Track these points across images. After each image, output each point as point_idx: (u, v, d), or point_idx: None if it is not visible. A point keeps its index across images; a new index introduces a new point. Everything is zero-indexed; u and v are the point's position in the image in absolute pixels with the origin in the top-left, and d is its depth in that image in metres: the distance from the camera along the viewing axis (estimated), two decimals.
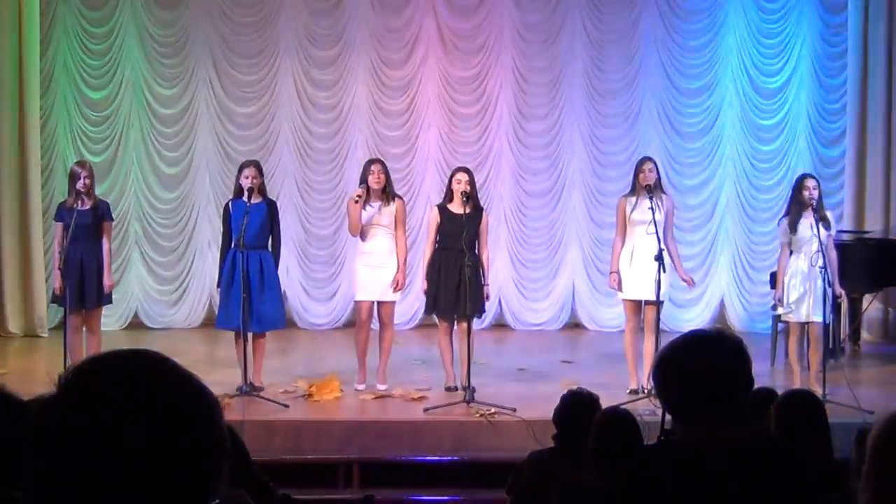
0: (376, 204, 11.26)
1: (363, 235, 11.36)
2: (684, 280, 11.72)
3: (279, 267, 11.45)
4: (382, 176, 11.25)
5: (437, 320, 11.65)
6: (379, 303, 11.48)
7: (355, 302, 11.84)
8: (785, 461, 3.30)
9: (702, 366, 3.15)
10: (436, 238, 11.33)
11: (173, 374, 1.73)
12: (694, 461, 3.08)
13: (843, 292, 11.52)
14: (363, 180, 11.32)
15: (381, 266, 11.34)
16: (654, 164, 11.49)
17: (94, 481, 1.62)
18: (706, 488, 3.03)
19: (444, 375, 11.51)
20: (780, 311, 11.29)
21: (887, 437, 3.73)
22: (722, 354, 3.19)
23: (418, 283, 13.33)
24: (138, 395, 1.66)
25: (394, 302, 11.65)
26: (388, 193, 11.34)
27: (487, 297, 11.69)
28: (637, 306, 11.32)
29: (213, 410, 1.74)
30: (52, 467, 1.63)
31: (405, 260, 11.46)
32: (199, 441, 1.69)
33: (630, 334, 11.44)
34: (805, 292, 11.00)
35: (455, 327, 11.35)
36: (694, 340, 3.29)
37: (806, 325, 11.15)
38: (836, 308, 12.50)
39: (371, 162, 11.59)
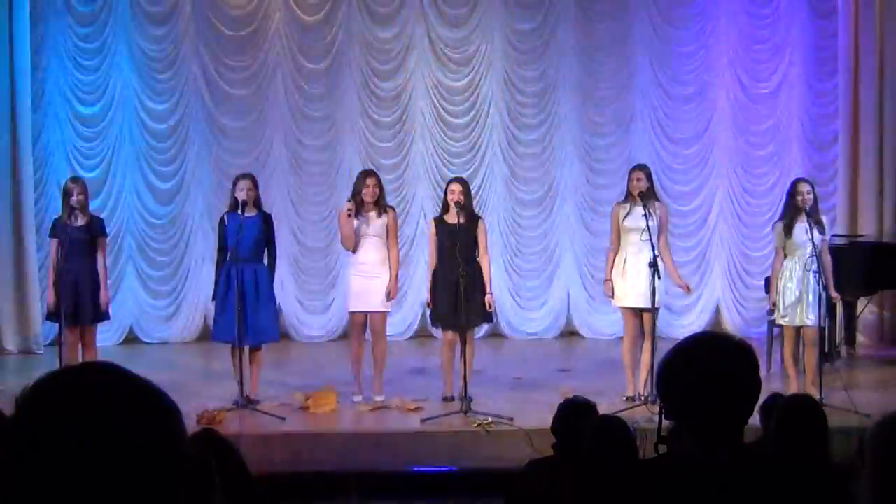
0: (368, 215, 11.25)
1: (355, 247, 11.36)
2: (680, 286, 11.71)
3: (275, 279, 11.45)
4: (377, 190, 11.26)
5: (440, 333, 11.64)
6: (371, 313, 11.46)
7: (349, 313, 11.84)
8: (786, 478, 3.28)
9: (707, 370, 3.12)
10: (437, 250, 11.33)
11: (130, 383, 1.71)
12: (695, 475, 3.06)
13: (838, 296, 11.52)
14: (355, 192, 11.31)
15: (374, 276, 11.32)
16: (645, 171, 11.46)
17: (55, 498, 1.61)
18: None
19: (440, 385, 11.50)
20: (776, 314, 11.28)
21: (884, 439, 3.73)
22: (728, 359, 3.16)
23: (412, 294, 13.34)
24: (94, 408, 1.65)
25: (386, 312, 11.63)
26: (380, 205, 11.34)
27: (491, 305, 11.64)
28: (634, 314, 11.30)
29: (172, 417, 1.72)
30: (14, 487, 1.61)
31: (397, 270, 11.47)
32: (159, 449, 1.67)
33: (628, 342, 11.41)
34: (800, 296, 10.99)
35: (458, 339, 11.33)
36: (700, 343, 3.27)
37: (800, 329, 11.15)
38: (832, 312, 12.53)
39: (366, 175, 11.52)
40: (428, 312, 12.00)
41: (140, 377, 1.73)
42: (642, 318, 11.25)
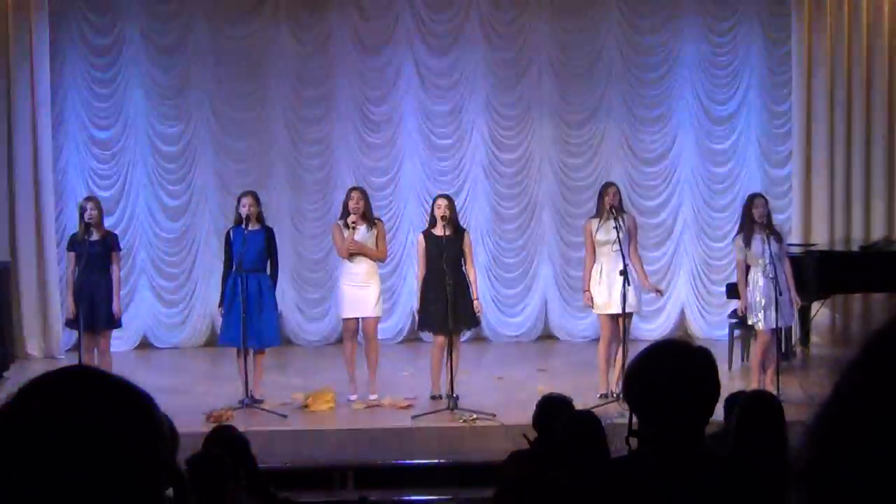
0: (359, 229, 11.30)
1: (348, 257, 11.40)
2: (651, 290, 11.75)
3: (276, 288, 11.45)
4: (361, 202, 11.33)
5: (432, 337, 11.64)
6: (363, 319, 11.48)
7: (343, 320, 11.84)
8: (743, 473, 3.28)
9: (670, 375, 3.12)
10: (424, 261, 11.34)
11: (105, 383, 1.68)
12: (660, 470, 3.05)
13: (799, 301, 11.51)
14: (344, 205, 11.44)
15: (365, 285, 11.38)
16: (617, 187, 11.55)
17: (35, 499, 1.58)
18: (671, 497, 3.00)
19: (429, 385, 11.49)
20: (750, 320, 11.27)
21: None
22: (689, 364, 3.16)
23: (403, 302, 13.32)
24: (70, 409, 1.62)
25: (377, 317, 11.67)
26: (368, 219, 11.38)
27: (478, 310, 11.67)
28: (612, 320, 11.33)
29: (150, 413, 1.68)
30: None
31: (384, 257, 11.79)
32: (138, 450, 1.64)
33: (604, 345, 11.46)
34: (768, 302, 11.00)
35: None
36: (662, 351, 3.26)
37: (773, 332, 11.14)
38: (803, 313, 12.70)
39: (351, 189, 11.78)
40: (416, 318, 11.99)
41: (118, 378, 1.70)
42: (618, 322, 11.28)
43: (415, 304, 11.55)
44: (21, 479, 1.57)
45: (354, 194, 11.48)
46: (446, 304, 10.96)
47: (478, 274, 11.89)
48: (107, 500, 1.59)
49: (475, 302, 11.43)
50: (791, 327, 12.52)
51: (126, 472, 1.60)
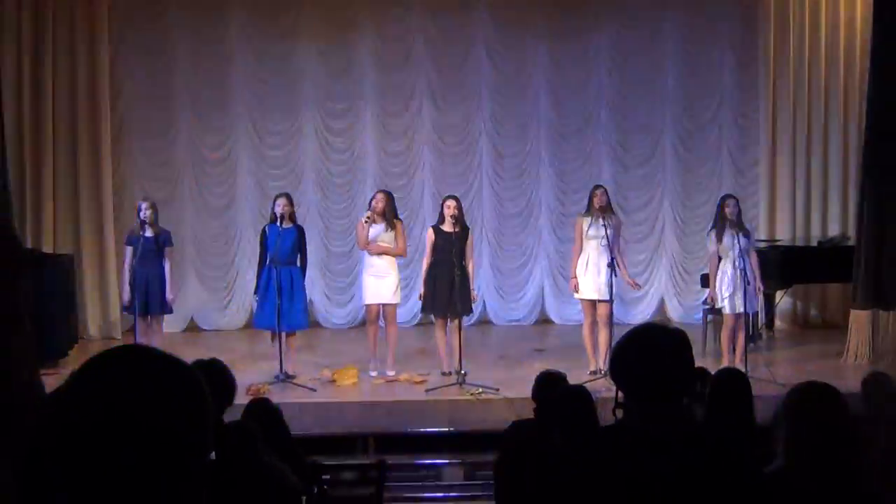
0: (380, 226, 11.30)
1: (370, 250, 11.39)
2: (629, 284, 11.76)
3: (305, 278, 11.46)
4: (382, 203, 11.31)
5: (433, 319, 11.65)
6: (384, 305, 11.48)
7: (365, 305, 11.85)
8: (715, 440, 3.28)
9: (650, 354, 3.11)
10: (431, 252, 11.34)
11: (162, 359, 1.66)
12: (643, 438, 3.05)
13: (762, 286, 11.51)
14: (370, 204, 11.53)
15: (385, 276, 11.39)
16: (604, 189, 11.56)
17: (101, 464, 1.57)
18: (652, 461, 3.00)
19: (440, 362, 11.50)
20: (718, 305, 11.29)
21: (796, 402, 3.73)
22: (667, 344, 3.15)
23: (418, 290, 13.29)
24: (132, 378, 1.60)
25: (396, 304, 11.66)
26: (388, 218, 11.38)
27: (475, 299, 11.69)
28: (592, 305, 11.36)
29: (199, 386, 1.67)
30: (66, 455, 1.57)
31: (403, 251, 11.60)
32: (189, 417, 1.62)
33: (587, 327, 11.47)
34: (734, 289, 11.00)
35: (449, 324, 11.36)
36: (644, 333, 3.26)
37: (736, 316, 11.14)
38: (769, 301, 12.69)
39: (377, 191, 11.81)
40: (420, 303, 11.97)
41: (169, 355, 1.69)
42: (599, 308, 11.27)
43: (421, 289, 11.52)
44: (86, 454, 1.56)
45: (379, 195, 11.52)
46: (449, 291, 11.00)
47: (482, 265, 11.88)
48: (160, 464, 1.58)
49: (473, 291, 11.48)
50: (757, 312, 12.51)
51: (176, 442, 1.59)
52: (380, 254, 11.38)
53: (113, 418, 1.55)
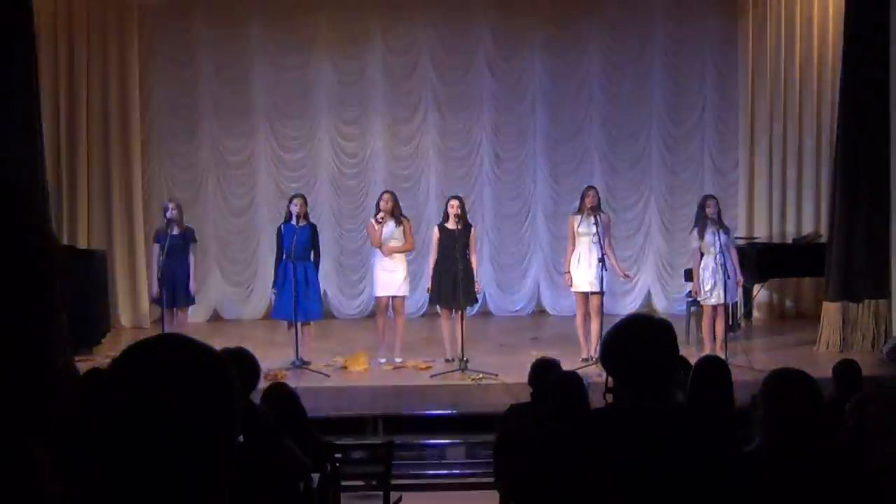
0: (390, 224, 11.31)
1: (380, 247, 11.40)
2: (621, 275, 11.76)
3: (319, 273, 11.46)
4: (390, 203, 11.31)
5: (439, 310, 11.64)
6: (393, 297, 11.49)
7: (375, 297, 11.86)
8: (698, 422, 3.27)
9: (638, 343, 3.11)
10: (437, 249, 11.34)
11: (196, 348, 1.65)
12: (632, 420, 3.04)
13: (741, 279, 11.51)
14: (378, 204, 11.49)
15: (394, 270, 11.39)
16: (596, 190, 11.55)
17: (141, 445, 1.55)
18: (640, 441, 2.99)
19: (444, 350, 11.50)
20: (700, 298, 11.29)
21: (772, 388, 3.73)
22: (653, 333, 3.15)
23: (425, 283, 13.32)
24: (171, 363, 1.59)
25: (404, 296, 11.66)
26: (396, 216, 11.39)
27: (479, 290, 11.71)
28: (584, 297, 11.35)
29: (229, 373, 1.66)
30: (107, 438, 1.56)
31: (411, 248, 11.69)
32: (222, 398, 1.61)
33: (580, 318, 11.46)
34: (715, 283, 11.01)
35: (453, 314, 11.37)
36: (632, 323, 3.25)
37: (715, 307, 11.16)
38: (747, 294, 12.68)
39: (383, 192, 11.78)
40: (427, 296, 11.99)
41: (202, 344, 1.67)
42: (591, 300, 11.27)
43: (428, 283, 11.54)
44: (127, 439, 1.55)
45: (385, 196, 11.51)
46: (453, 284, 11.01)
47: (483, 260, 11.88)
48: (194, 448, 1.58)
49: (477, 283, 11.49)
50: (736, 304, 12.52)
51: (209, 427, 1.59)
52: (394, 251, 11.40)
53: (152, 405, 1.55)
